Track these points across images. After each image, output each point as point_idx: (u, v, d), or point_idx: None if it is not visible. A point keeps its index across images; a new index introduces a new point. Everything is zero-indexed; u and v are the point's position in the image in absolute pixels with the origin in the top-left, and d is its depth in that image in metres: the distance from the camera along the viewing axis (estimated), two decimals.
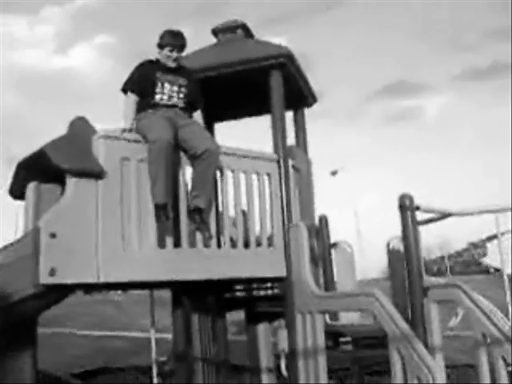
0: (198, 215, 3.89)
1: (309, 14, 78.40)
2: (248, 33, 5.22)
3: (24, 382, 3.35)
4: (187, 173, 3.97)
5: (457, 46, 78.79)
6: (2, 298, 3.05)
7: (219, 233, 4.15)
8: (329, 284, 5.72)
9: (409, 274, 4.21)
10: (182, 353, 4.80)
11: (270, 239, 4.44)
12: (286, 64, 4.66)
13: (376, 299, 3.89)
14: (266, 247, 4.39)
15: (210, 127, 5.26)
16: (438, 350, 4.18)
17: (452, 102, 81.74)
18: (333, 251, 6.05)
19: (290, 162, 4.65)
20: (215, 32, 5.19)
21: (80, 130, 3.62)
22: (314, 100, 5.73)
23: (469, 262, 39.26)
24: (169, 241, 3.76)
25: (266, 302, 4.91)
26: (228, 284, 4.83)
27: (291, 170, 4.66)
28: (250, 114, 5.86)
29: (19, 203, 4.02)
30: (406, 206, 4.23)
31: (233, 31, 5.14)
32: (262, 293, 4.99)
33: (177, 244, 3.81)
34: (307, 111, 5.80)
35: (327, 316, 5.85)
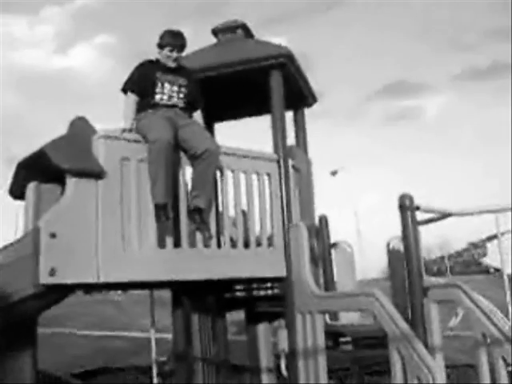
0: (198, 215, 3.89)
1: (309, 14, 78.45)
2: (248, 33, 5.22)
3: (24, 381, 3.35)
4: (187, 173, 3.97)
5: (457, 46, 78.88)
6: (2, 298, 3.05)
7: (219, 233, 4.15)
8: (329, 284, 5.72)
9: (409, 274, 4.22)
10: (182, 353, 4.80)
11: (270, 239, 4.44)
12: (286, 64, 4.66)
13: (376, 299, 3.89)
14: (266, 247, 4.39)
15: (210, 127, 5.26)
16: (438, 349, 4.18)
17: (452, 101, 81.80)
18: (333, 251, 6.05)
19: (290, 162, 4.65)
20: (215, 32, 5.19)
21: (80, 129, 3.62)
22: (314, 100, 5.73)
23: (469, 262, 39.27)
24: (169, 241, 3.76)
25: (266, 302, 4.91)
26: (228, 284, 4.83)
27: (291, 170, 4.66)
28: (250, 114, 5.86)
29: (19, 203, 4.02)
30: (406, 206, 4.24)
31: (233, 31, 5.14)
32: (262, 293, 4.99)
33: (177, 244, 3.81)
34: (307, 111, 5.81)
35: (327, 316, 5.85)
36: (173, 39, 4.04)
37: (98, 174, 3.44)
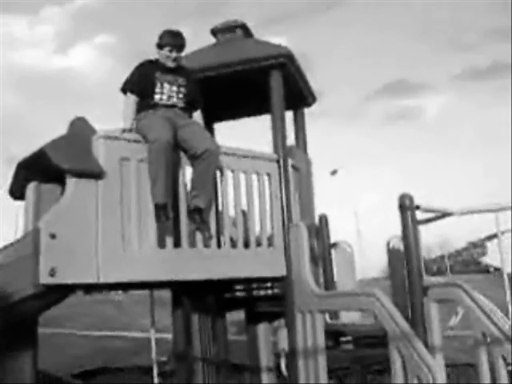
0: (197, 215, 3.89)
1: (309, 14, 78.43)
2: (247, 33, 5.22)
3: (24, 382, 3.35)
4: (187, 173, 3.97)
5: (457, 46, 78.81)
6: (2, 298, 3.05)
7: (219, 233, 4.15)
8: (329, 283, 5.72)
9: (409, 274, 4.22)
10: (182, 353, 4.80)
11: (270, 239, 4.44)
12: (286, 64, 4.66)
13: (377, 299, 3.89)
14: (266, 247, 4.39)
15: (209, 127, 5.26)
16: (438, 349, 4.19)
17: (452, 101, 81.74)
18: (333, 251, 6.05)
19: (290, 162, 4.65)
20: (214, 32, 5.19)
21: (80, 130, 3.62)
22: (314, 100, 5.73)
23: (468, 262, 39.29)
24: (169, 241, 3.76)
25: (266, 301, 4.92)
26: (228, 284, 4.83)
27: (291, 170, 4.66)
28: (250, 114, 5.86)
29: (19, 203, 4.02)
30: (406, 206, 4.24)
31: (232, 31, 5.13)
32: (262, 292, 4.99)
33: (177, 244, 3.81)
34: (307, 111, 5.81)
35: (327, 315, 5.85)
36: (172, 39, 4.04)
37: (97, 174, 3.44)
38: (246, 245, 4.28)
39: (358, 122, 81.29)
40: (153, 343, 4.90)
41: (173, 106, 4.01)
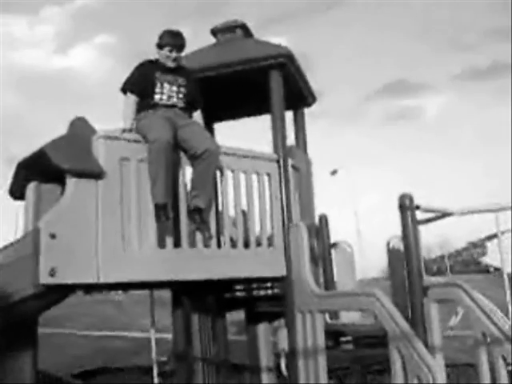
0: (197, 215, 3.89)
1: (309, 14, 78.39)
2: (247, 33, 5.22)
3: (24, 381, 3.35)
4: (187, 173, 3.97)
5: (457, 46, 78.75)
6: (2, 298, 3.05)
7: (219, 233, 4.15)
8: (329, 283, 5.72)
9: (409, 274, 4.22)
10: (182, 353, 4.80)
11: (270, 239, 4.44)
12: (286, 64, 4.66)
13: (377, 299, 3.89)
14: (266, 247, 4.39)
15: (209, 127, 5.26)
16: (438, 349, 4.19)
17: (452, 101, 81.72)
18: (333, 251, 6.05)
19: (290, 162, 4.65)
20: (214, 32, 5.19)
21: (80, 130, 3.63)
22: (314, 100, 5.73)
23: (468, 262, 39.29)
24: (169, 241, 3.76)
25: (266, 301, 4.92)
26: (228, 284, 4.83)
27: (291, 170, 4.66)
28: (250, 114, 5.86)
29: (19, 203, 4.02)
30: (406, 206, 4.24)
31: (232, 31, 5.13)
32: (262, 293, 4.99)
33: (177, 244, 3.81)
34: (306, 111, 5.81)
35: (327, 315, 5.85)
36: (172, 39, 4.04)
37: (97, 174, 3.44)
38: (246, 245, 4.28)
39: (357, 122, 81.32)
40: (153, 343, 4.91)
41: (173, 105, 4.01)
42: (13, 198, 4.00)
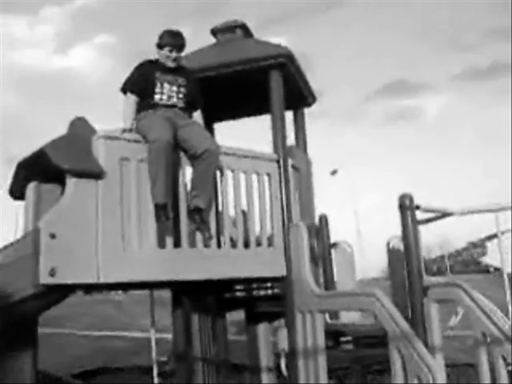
0: (197, 215, 3.89)
1: (309, 14, 78.39)
2: (247, 33, 5.21)
3: (24, 381, 3.35)
4: (187, 173, 3.97)
5: (457, 46, 78.77)
6: (2, 298, 3.05)
7: (219, 233, 4.15)
8: (329, 283, 5.72)
9: (409, 274, 4.22)
10: (182, 353, 4.80)
11: (270, 239, 4.44)
12: (286, 64, 4.66)
13: (377, 299, 3.89)
14: (266, 247, 4.39)
15: (209, 127, 5.26)
16: (438, 349, 4.19)
17: (452, 101, 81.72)
18: (333, 251, 6.05)
19: (290, 162, 4.65)
20: (214, 32, 5.19)
21: (80, 130, 3.63)
22: (314, 100, 5.73)
23: (468, 262, 39.30)
24: (169, 241, 3.76)
25: (266, 301, 4.91)
26: (228, 284, 4.83)
27: (291, 170, 4.66)
28: (250, 114, 5.86)
29: (19, 203, 4.02)
30: (406, 206, 4.24)
31: (232, 31, 5.13)
32: (262, 292, 4.99)
33: (177, 244, 3.81)
34: (306, 111, 5.81)
35: (327, 315, 5.85)
36: (172, 39, 4.04)
37: (97, 174, 3.44)
38: (246, 245, 4.28)
39: (357, 122, 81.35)
40: (153, 343, 4.90)
41: (173, 105, 4.01)
42: (13, 198, 4.00)
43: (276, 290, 4.75)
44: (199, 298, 4.75)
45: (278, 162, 4.53)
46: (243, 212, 4.40)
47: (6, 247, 3.26)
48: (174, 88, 4.03)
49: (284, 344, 4.90)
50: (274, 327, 5.62)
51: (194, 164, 3.92)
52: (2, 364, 3.28)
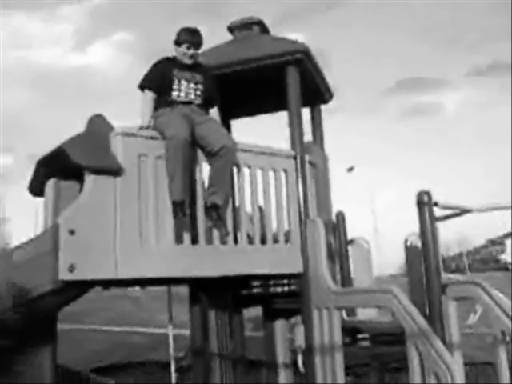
0: (214, 212, 3.90)
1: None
2: (264, 29, 5.20)
3: (43, 376, 3.39)
4: (204, 170, 3.98)
5: (464, 45, 78.08)
6: (21, 295, 3.09)
7: (236, 229, 4.16)
8: (345, 280, 5.70)
9: (426, 271, 4.18)
10: (200, 348, 4.83)
11: (287, 235, 4.43)
12: (303, 60, 4.64)
13: (394, 296, 3.87)
14: (283, 243, 4.38)
15: (226, 124, 5.26)
16: (457, 346, 4.15)
17: (470, 96, 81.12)
18: (350, 247, 6.02)
19: (307, 158, 4.64)
20: (231, 29, 5.19)
21: (98, 127, 3.65)
22: (331, 96, 5.70)
23: (487, 259, 38.92)
24: (186, 237, 3.78)
25: (283, 298, 4.92)
26: (245, 280, 4.84)
27: (308, 166, 4.65)
28: (267, 111, 5.85)
29: (39, 200, 4.06)
30: (424, 202, 4.20)
31: (249, 28, 5.13)
32: (279, 289, 4.99)
33: (194, 240, 3.83)
34: (322, 107, 5.78)
35: (344, 312, 5.84)
36: (189, 36, 4.05)
37: (116, 171, 3.46)
38: (263, 241, 4.28)
39: (371, 119, 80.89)
40: (170, 339, 4.93)
41: (190, 102, 4.02)
42: (32, 195, 4.04)
43: (293, 287, 4.75)
44: (216, 294, 4.76)
45: (295, 158, 4.52)
46: (260, 208, 4.40)
47: (25, 244, 3.30)
48: (192, 85, 4.04)
49: (301, 341, 4.90)
50: (291, 324, 5.62)
51: (211, 161, 3.93)
52: (22, 359, 3.32)
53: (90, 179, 3.37)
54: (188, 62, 4.06)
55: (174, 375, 4.92)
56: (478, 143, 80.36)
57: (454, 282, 4.30)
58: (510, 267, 31.25)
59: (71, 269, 3.14)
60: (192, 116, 3.93)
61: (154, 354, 9.51)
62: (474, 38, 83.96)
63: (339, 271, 5.53)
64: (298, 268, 4.35)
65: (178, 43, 4.06)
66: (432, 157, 78.41)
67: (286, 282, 4.88)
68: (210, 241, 3.92)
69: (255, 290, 5.05)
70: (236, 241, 4.11)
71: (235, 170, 4.20)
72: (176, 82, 3.99)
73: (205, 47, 4.32)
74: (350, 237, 5.98)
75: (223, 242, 3.98)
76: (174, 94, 3.98)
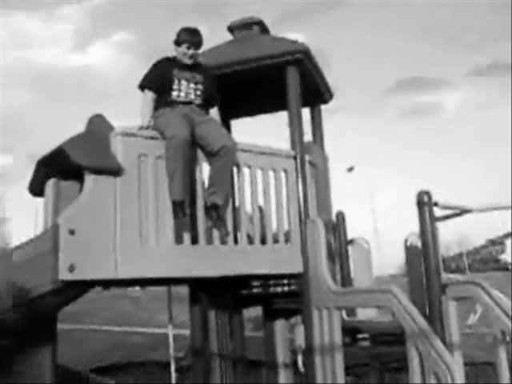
0: (214, 212, 3.90)
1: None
2: (264, 29, 5.20)
3: (43, 376, 3.39)
4: (204, 170, 3.98)
5: (463, 45, 78.19)
6: (21, 295, 3.09)
7: (236, 229, 4.16)
8: (345, 280, 5.70)
9: (426, 271, 4.18)
10: (200, 348, 4.83)
11: (287, 235, 4.43)
12: (303, 60, 4.64)
13: (394, 296, 3.87)
14: (283, 243, 4.38)
15: (226, 124, 5.26)
16: (457, 346, 4.15)
17: (470, 96, 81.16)
18: (350, 247, 6.02)
19: (307, 158, 4.64)
20: (231, 29, 5.18)
21: (98, 127, 3.65)
22: (331, 96, 5.70)
23: (487, 259, 38.93)
24: (186, 237, 3.78)
25: (283, 298, 4.92)
26: (245, 280, 4.84)
27: (308, 166, 4.65)
28: (267, 111, 5.85)
29: (39, 200, 4.06)
30: (424, 202, 4.20)
31: (249, 28, 5.13)
32: (279, 289, 4.99)
33: (194, 240, 3.83)
34: (322, 107, 5.78)
35: (344, 312, 5.84)
36: (189, 36, 4.05)
37: (116, 171, 3.46)
38: (263, 241, 4.28)
39: (371, 119, 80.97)
40: (170, 339, 4.93)
41: (190, 102, 4.02)
42: (32, 195, 4.04)
43: (293, 287, 4.75)
44: (216, 294, 4.76)
45: (295, 158, 4.52)
46: (260, 208, 4.40)
47: (25, 244, 3.30)
48: (192, 85, 4.04)
49: (301, 341, 4.90)
50: (291, 324, 5.62)
51: (211, 161, 3.93)
52: (22, 359, 3.32)
53: (89, 179, 3.37)
54: (188, 62, 4.07)
55: (173, 375, 4.92)
56: (478, 143, 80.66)
57: (454, 281, 4.29)
58: (510, 267, 31.25)
59: (71, 269, 3.14)
60: (192, 116, 3.94)
61: (154, 354, 9.51)
62: (474, 37, 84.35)
63: (339, 271, 5.53)
64: (298, 268, 4.35)
65: (177, 43, 4.06)
66: (432, 157, 78.68)
67: (286, 282, 4.88)
68: (210, 241, 3.92)
69: (255, 290, 5.05)
70: (236, 241, 4.11)
71: (235, 169, 4.20)
72: (176, 81, 3.99)
73: (205, 47, 4.32)
74: (350, 237, 5.97)
75: (223, 242, 3.98)
76: (174, 93, 3.98)
